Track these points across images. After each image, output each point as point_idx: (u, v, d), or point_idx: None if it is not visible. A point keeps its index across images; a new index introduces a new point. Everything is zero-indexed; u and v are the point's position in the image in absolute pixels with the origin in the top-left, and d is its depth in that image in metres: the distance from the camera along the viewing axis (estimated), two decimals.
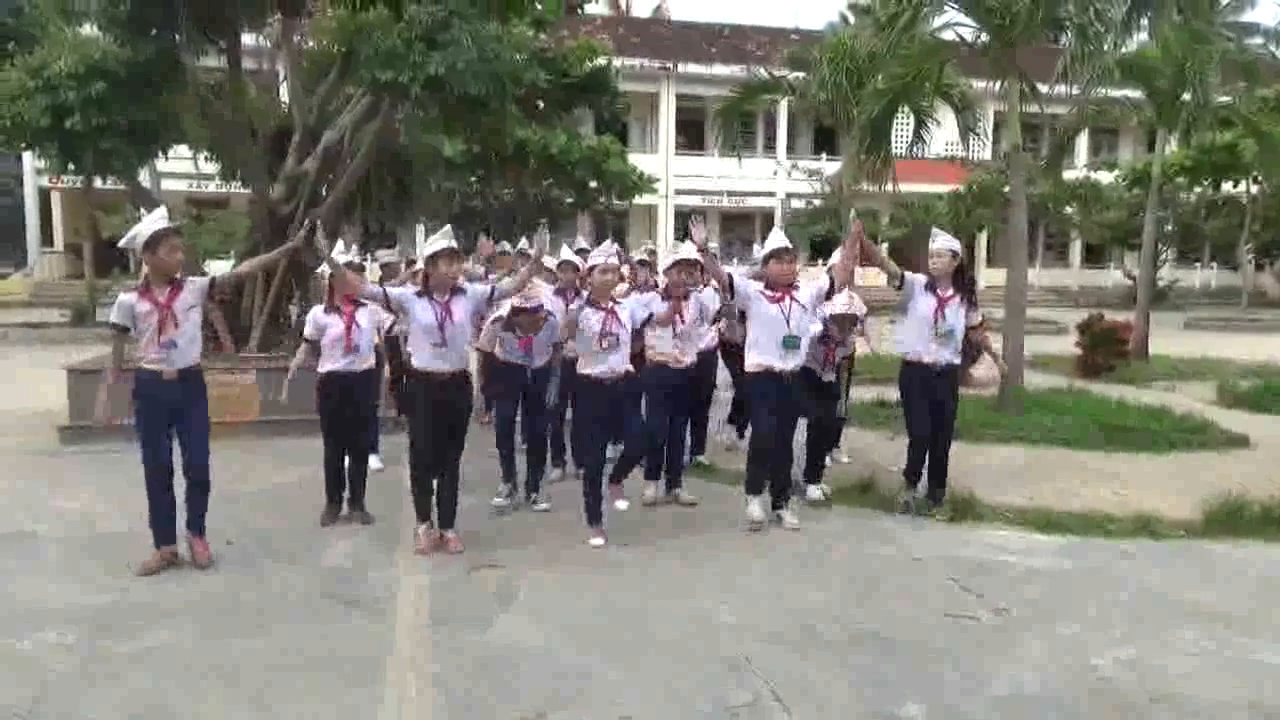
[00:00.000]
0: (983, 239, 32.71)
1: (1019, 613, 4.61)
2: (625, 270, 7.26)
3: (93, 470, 7.14)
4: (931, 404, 6.15)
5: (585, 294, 5.87)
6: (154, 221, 4.97)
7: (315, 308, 6.12)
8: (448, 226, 5.63)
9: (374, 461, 7.48)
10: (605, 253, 5.96)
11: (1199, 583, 5.08)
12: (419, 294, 5.31)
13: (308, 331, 6.01)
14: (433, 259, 5.27)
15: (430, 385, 5.27)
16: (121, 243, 5.08)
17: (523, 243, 9.05)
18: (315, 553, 5.23)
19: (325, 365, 5.92)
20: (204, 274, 5.60)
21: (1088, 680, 3.91)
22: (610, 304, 5.66)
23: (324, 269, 6.80)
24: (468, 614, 4.51)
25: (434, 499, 5.48)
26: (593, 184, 19.97)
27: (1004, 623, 4.51)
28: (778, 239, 6.02)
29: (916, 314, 6.12)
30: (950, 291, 6.12)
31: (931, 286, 6.10)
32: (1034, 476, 7.06)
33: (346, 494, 6.08)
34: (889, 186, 13.38)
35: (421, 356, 5.27)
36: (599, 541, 5.56)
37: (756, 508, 5.87)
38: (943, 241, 6.25)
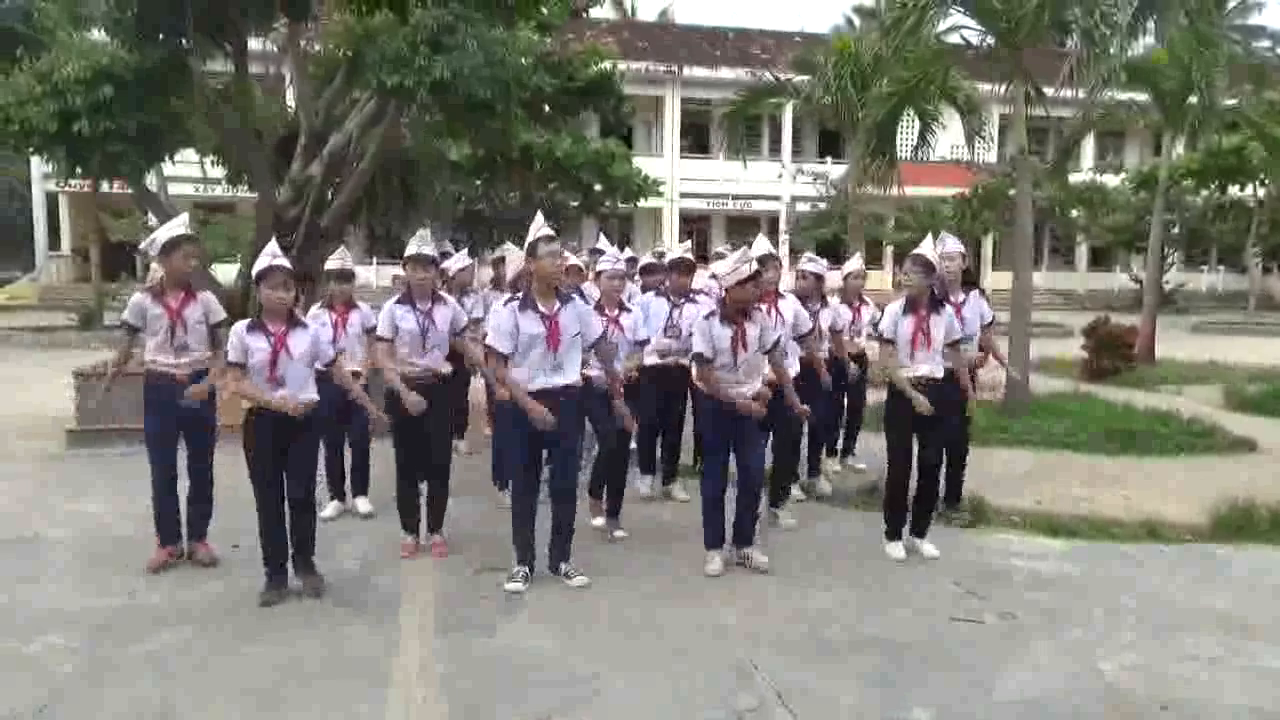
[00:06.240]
0: (988, 242, 32.68)
1: (1026, 617, 4.60)
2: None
3: (100, 474, 7.16)
4: (924, 424, 5.30)
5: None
6: (171, 228, 5.04)
7: (239, 322, 4.78)
8: (424, 231, 5.65)
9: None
10: (613, 259, 5.84)
11: (1206, 588, 5.06)
12: (399, 301, 5.39)
13: (232, 353, 4.58)
14: (408, 263, 5.38)
15: (410, 388, 5.27)
16: (142, 245, 5.11)
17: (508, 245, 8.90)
18: (321, 556, 5.21)
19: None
20: (214, 281, 5.61)
21: (1095, 685, 3.90)
22: (615, 312, 5.64)
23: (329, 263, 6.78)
24: (474, 618, 4.52)
25: (419, 506, 5.50)
26: (598, 187, 19.93)
27: (1011, 627, 4.50)
28: (729, 263, 5.00)
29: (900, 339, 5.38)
30: (962, 296, 5.99)
31: (912, 306, 5.34)
32: (1040, 480, 7.04)
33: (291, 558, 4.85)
34: (894, 190, 13.37)
35: (401, 361, 5.32)
36: (599, 522, 5.71)
37: (717, 563, 5.18)
38: (952, 244, 6.11)
